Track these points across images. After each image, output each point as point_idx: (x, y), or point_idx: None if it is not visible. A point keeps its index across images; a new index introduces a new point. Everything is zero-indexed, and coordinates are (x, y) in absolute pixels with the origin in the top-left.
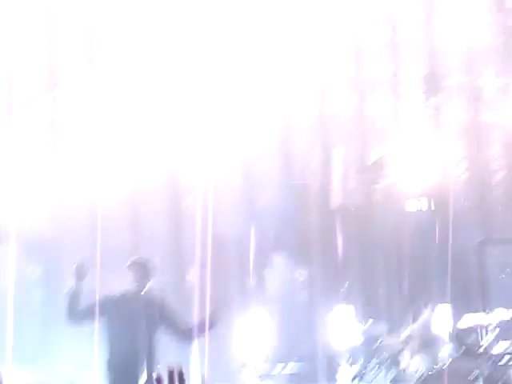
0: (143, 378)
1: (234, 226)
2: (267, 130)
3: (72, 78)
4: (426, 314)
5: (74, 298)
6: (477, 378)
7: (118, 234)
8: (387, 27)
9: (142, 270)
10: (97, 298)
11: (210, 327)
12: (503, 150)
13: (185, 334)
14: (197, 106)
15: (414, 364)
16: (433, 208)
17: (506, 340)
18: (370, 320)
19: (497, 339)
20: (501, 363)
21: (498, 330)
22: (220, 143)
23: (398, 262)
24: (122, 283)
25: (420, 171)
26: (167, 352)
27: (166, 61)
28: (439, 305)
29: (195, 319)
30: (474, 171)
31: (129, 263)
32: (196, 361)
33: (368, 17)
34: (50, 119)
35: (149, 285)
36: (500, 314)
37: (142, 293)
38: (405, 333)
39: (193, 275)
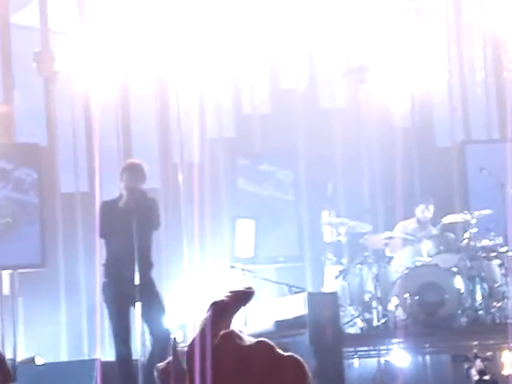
0: (137, 277)
1: (224, 129)
2: (254, 38)
3: None
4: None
5: None
6: (460, 271)
7: (110, 141)
8: None
9: (135, 173)
10: (97, 204)
11: None
12: (485, 49)
13: None
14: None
15: (398, 259)
16: (416, 108)
17: (484, 238)
18: (355, 220)
19: (476, 237)
20: (481, 255)
21: (476, 229)
22: (208, 51)
23: (382, 162)
24: (116, 188)
25: (404, 73)
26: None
27: None
28: (422, 205)
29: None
30: (456, 72)
31: (122, 167)
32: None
33: None
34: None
35: (141, 188)
36: (478, 214)
37: (135, 195)
38: (388, 232)
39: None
